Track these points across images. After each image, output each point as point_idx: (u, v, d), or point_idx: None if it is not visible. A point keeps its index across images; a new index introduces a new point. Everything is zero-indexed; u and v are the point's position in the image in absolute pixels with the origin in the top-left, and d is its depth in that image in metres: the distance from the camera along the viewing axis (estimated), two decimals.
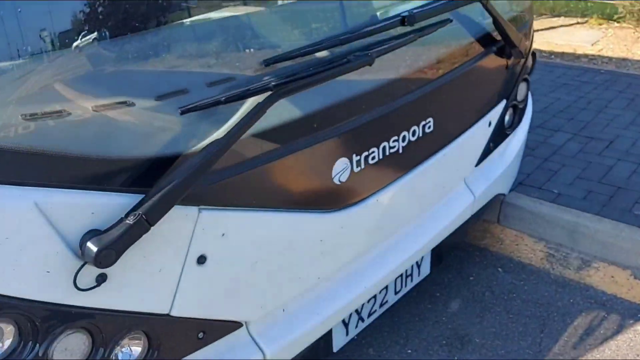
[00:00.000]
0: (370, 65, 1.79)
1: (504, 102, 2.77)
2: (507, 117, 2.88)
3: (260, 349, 1.87)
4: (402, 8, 2.72)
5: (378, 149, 2.06)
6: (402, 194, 2.26)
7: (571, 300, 2.86)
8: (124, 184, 1.42)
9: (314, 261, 1.98)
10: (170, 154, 1.48)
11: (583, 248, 3.22)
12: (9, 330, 1.36)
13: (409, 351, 2.61)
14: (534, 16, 3.07)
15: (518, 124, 3.00)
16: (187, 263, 1.59)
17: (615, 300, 2.85)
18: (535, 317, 2.76)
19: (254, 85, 1.56)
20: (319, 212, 1.93)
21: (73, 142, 1.36)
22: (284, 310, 1.98)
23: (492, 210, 3.47)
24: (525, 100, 2.99)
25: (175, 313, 1.61)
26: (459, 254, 3.26)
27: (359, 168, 2.00)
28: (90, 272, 1.40)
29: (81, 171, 1.36)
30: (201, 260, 1.62)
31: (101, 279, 1.42)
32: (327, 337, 2.15)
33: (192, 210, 1.56)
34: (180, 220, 1.53)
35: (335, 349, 2.23)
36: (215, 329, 1.74)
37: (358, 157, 1.99)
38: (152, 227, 1.39)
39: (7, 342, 1.37)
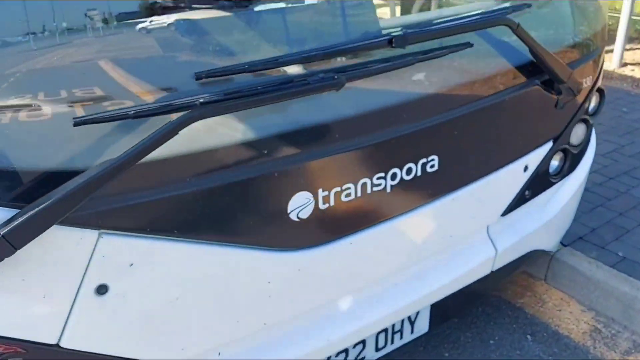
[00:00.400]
0: (337, 90, 1.52)
1: (549, 145, 2.34)
2: (553, 163, 2.45)
3: None
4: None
5: (355, 185, 1.76)
6: (389, 239, 1.94)
7: None
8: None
9: (259, 305, 1.72)
10: (59, 168, 1.31)
11: (638, 328, 2.70)
12: None
13: None
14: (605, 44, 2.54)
15: (570, 172, 2.55)
16: (82, 292, 1.40)
17: None
18: None
19: (173, 101, 1.34)
20: (268, 251, 1.67)
21: None
22: (219, 353, 1.75)
23: (538, 267, 3.02)
24: (582, 144, 2.53)
25: (65, 344, 1.43)
26: (487, 310, 2.85)
27: (326, 205, 1.72)
28: None
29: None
30: (101, 290, 1.43)
31: None
32: None
33: (91, 234, 1.37)
34: (73, 244, 1.35)
35: None
36: None
37: (326, 193, 1.70)
38: (18, 250, 1.22)
39: None
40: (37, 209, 1.21)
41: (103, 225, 1.38)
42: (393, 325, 2.14)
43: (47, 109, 1.34)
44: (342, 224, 1.80)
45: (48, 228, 1.24)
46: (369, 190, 1.80)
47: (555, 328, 2.74)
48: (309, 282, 1.80)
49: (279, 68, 1.57)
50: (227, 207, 1.56)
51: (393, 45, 1.60)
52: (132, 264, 1.45)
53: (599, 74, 2.49)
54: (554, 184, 2.48)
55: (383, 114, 1.81)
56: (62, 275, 1.37)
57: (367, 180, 1.78)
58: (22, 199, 1.27)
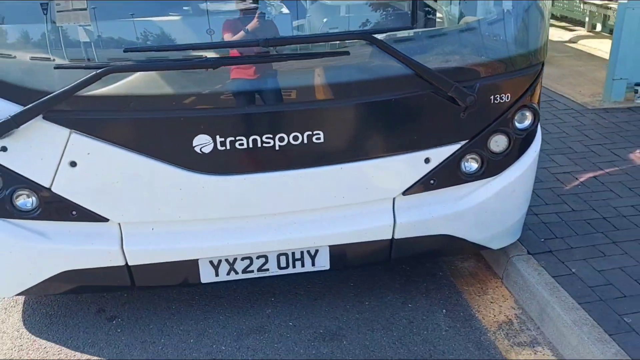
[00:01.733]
0: (208, 69, 2.42)
1: (456, 147, 2.81)
2: (468, 164, 2.89)
3: (122, 245, 2.74)
4: None
5: (247, 139, 2.61)
6: (280, 186, 2.73)
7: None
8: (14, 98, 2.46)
9: (175, 203, 2.70)
10: (46, 89, 2.45)
11: (545, 329, 2.95)
12: None
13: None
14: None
15: (491, 175, 2.93)
16: (62, 162, 2.56)
17: None
18: None
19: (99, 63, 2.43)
20: (179, 168, 2.63)
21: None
22: (152, 229, 2.79)
23: (500, 267, 3.39)
24: (505, 153, 2.89)
25: (54, 189, 2.61)
26: (430, 286, 3.35)
27: (223, 148, 2.60)
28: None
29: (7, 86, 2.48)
30: (73, 164, 2.57)
31: (3, 149, 2.52)
32: (192, 266, 2.85)
33: (65, 130, 2.51)
34: (56, 134, 2.51)
35: (203, 281, 2.90)
36: (84, 214, 2.68)
37: (222, 139, 2.60)
38: (9, 135, 2.43)
39: None
40: (27, 107, 2.39)
41: (72, 127, 2.51)
42: (293, 253, 2.91)
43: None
44: (237, 164, 2.67)
45: (31, 120, 2.40)
46: (259, 145, 2.63)
47: (474, 313, 3.14)
48: (211, 198, 2.72)
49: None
50: (151, 133, 2.57)
51: (261, 45, 2.42)
52: (88, 153, 2.56)
53: (526, 93, 2.83)
54: (468, 181, 2.92)
55: (277, 92, 2.63)
56: (51, 150, 2.54)
57: (257, 137, 2.61)
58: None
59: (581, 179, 4.25)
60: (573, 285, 3.05)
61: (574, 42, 9.19)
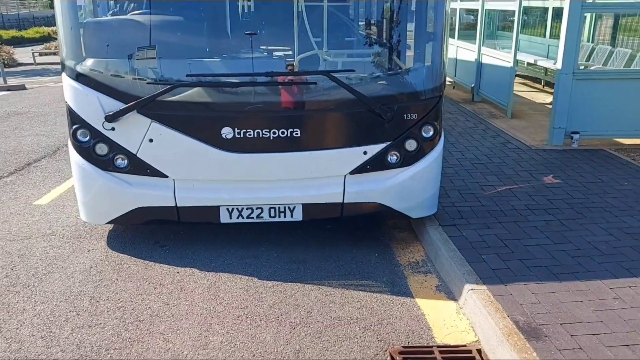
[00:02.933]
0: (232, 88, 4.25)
1: (383, 145, 4.53)
2: (391, 157, 4.59)
3: (174, 193, 4.52)
4: None
5: (254, 131, 4.39)
6: (274, 161, 4.49)
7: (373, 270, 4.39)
8: (122, 99, 4.31)
9: (207, 169, 4.48)
10: (139, 95, 4.30)
11: (436, 265, 4.56)
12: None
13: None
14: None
15: (406, 165, 4.62)
16: (145, 139, 4.40)
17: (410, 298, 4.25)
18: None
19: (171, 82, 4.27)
20: (212, 146, 4.42)
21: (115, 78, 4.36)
22: (193, 185, 4.56)
23: (421, 234, 5.04)
24: (415, 153, 4.59)
25: (139, 155, 4.44)
26: (371, 243, 5.00)
27: (239, 136, 4.40)
28: (108, 125, 4.35)
29: (110, 89, 4.33)
30: (151, 140, 4.40)
31: (112, 129, 4.36)
32: (215, 210, 4.60)
33: (148, 120, 4.35)
34: (143, 121, 4.35)
35: (222, 221, 4.64)
36: (154, 171, 4.48)
37: (240, 131, 4.39)
38: (117, 121, 4.27)
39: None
40: (119, 109, 4.24)
41: (152, 118, 4.36)
42: (279, 207, 4.64)
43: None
44: (247, 147, 4.45)
45: (125, 115, 4.25)
46: (260, 136, 4.41)
47: (395, 256, 4.77)
48: (230, 167, 4.50)
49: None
50: (200, 125, 4.38)
51: (265, 76, 4.24)
52: (160, 134, 4.39)
53: (429, 114, 4.54)
54: (392, 168, 4.62)
55: (272, 104, 4.42)
56: (139, 131, 4.38)
57: (259, 130, 4.40)
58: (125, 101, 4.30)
59: (498, 189, 5.88)
60: (459, 241, 4.66)
61: (547, 102, 10.83)
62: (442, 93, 4.68)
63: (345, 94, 4.39)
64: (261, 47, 4.63)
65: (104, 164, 4.51)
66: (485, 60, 10.81)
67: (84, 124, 4.42)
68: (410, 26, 4.82)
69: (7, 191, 6.39)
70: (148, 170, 4.51)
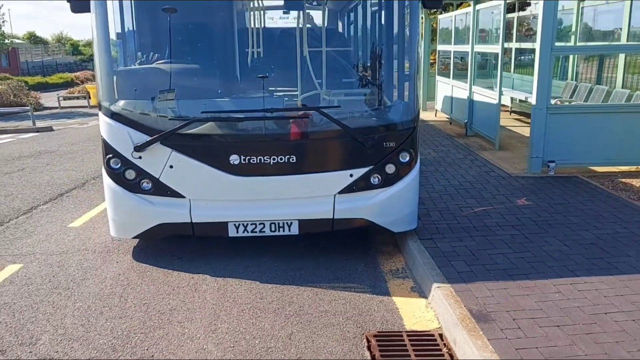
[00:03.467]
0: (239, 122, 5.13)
1: (367, 169, 5.35)
2: (373, 179, 5.40)
3: (190, 211, 5.36)
4: None
5: (257, 158, 5.25)
6: (273, 183, 5.32)
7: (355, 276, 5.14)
8: (147, 133, 5.20)
9: (217, 190, 5.33)
10: (162, 129, 5.19)
11: (413, 271, 5.31)
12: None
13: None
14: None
15: (387, 186, 5.42)
16: (166, 165, 5.29)
17: (394, 312, 4.99)
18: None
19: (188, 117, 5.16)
20: (221, 171, 5.28)
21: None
22: (205, 204, 5.40)
23: (403, 248, 5.81)
24: (393, 175, 5.39)
25: (161, 179, 5.32)
26: (359, 255, 5.76)
27: (245, 162, 5.26)
28: (136, 154, 5.23)
29: (138, 124, 5.23)
30: (171, 166, 5.29)
31: (139, 157, 5.25)
32: (224, 226, 5.42)
33: (169, 149, 5.24)
34: (164, 151, 5.24)
35: (230, 235, 5.46)
36: (173, 193, 5.35)
37: (245, 157, 5.25)
38: (143, 151, 5.15)
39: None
40: (145, 142, 5.13)
41: (172, 148, 5.25)
42: (278, 222, 5.45)
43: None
44: (251, 171, 5.31)
45: (149, 146, 5.14)
46: (262, 162, 5.27)
47: (379, 265, 5.53)
48: (236, 189, 5.35)
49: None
50: (212, 153, 5.25)
51: (266, 111, 5.11)
52: (179, 162, 5.27)
53: (405, 142, 5.37)
54: (375, 188, 5.43)
55: (272, 135, 5.28)
56: (161, 159, 5.26)
57: (261, 157, 5.26)
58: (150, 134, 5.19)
59: (475, 210, 6.65)
60: (434, 251, 5.42)
61: None
62: (417, 124, 5.52)
63: (333, 126, 5.25)
64: (270, 88, 5.51)
65: (132, 187, 5.37)
66: (476, 97, 11.70)
67: (116, 154, 5.32)
68: (389, 69, 5.72)
69: (45, 216, 7.29)
70: (168, 192, 5.37)
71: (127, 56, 6.15)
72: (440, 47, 15.68)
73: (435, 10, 6.50)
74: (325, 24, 6.09)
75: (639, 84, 10.50)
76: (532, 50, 14.01)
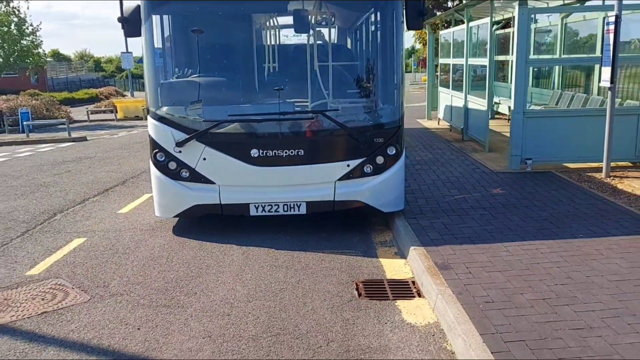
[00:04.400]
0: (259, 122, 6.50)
1: (361, 160, 6.68)
2: (366, 168, 6.71)
3: (219, 195, 6.72)
4: None
5: (272, 151, 6.60)
6: (286, 172, 6.67)
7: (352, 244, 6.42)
8: (186, 132, 6.59)
9: (241, 178, 6.70)
10: (198, 129, 6.57)
11: (398, 241, 6.58)
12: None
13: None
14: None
15: (377, 174, 6.72)
16: (200, 158, 6.69)
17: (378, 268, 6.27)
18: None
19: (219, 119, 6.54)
20: (244, 162, 6.65)
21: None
22: (232, 189, 6.76)
23: (392, 225, 7.11)
24: (383, 166, 6.70)
25: (196, 169, 6.73)
26: (355, 234, 7.05)
27: (263, 155, 6.62)
28: (177, 149, 6.62)
29: (179, 125, 6.63)
30: (204, 159, 6.69)
31: (180, 152, 6.63)
32: (246, 206, 6.78)
33: (202, 145, 6.64)
34: (199, 147, 6.63)
35: (251, 214, 6.81)
36: (206, 180, 6.73)
37: (263, 151, 6.61)
38: (182, 146, 6.54)
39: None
40: (183, 139, 6.53)
41: (205, 144, 6.65)
42: (289, 204, 6.79)
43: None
44: (268, 162, 6.69)
45: (186, 143, 6.54)
46: (277, 154, 6.64)
47: (371, 237, 6.83)
48: (256, 176, 6.73)
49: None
50: (237, 148, 6.62)
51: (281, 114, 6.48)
52: (210, 155, 6.66)
53: (392, 138, 6.68)
54: (367, 176, 6.75)
55: (285, 133, 6.64)
56: (196, 153, 6.66)
57: (276, 151, 6.62)
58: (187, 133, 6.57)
59: (455, 197, 7.92)
60: (415, 226, 6.72)
61: None
62: (402, 124, 6.85)
63: (334, 126, 6.60)
64: (283, 96, 6.85)
65: (173, 175, 6.76)
66: (470, 105, 12.98)
67: (161, 149, 6.71)
68: (379, 79, 7.07)
69: (96, 206, 8.73)
70: (202, 179, 6.74)
71: (167, 71, 7.56)
72: (441, 60, 17.00)
73: (420, 29, 7.80)
74: (333, 40, 7.47)
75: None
76: (545, 61, 15.29)
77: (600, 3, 11.67)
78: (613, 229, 6.32)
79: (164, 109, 6.83)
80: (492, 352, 3.81)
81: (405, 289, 5.36)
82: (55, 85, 56.86)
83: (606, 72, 8.41)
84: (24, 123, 20.26)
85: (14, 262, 6.26)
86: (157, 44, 7.16)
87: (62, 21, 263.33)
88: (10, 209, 8.73)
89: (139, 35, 6.73)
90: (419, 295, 5.22)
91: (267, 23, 7.98)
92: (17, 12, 25.05)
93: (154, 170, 6.89)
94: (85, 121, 26.61)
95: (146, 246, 6.69)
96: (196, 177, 6.77)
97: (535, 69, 15.81)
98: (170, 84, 7.34)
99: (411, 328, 4.53)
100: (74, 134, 19.75)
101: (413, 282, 5.51)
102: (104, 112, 31.01)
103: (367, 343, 4.29)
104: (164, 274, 5.78)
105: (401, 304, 5.01)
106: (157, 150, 6.78)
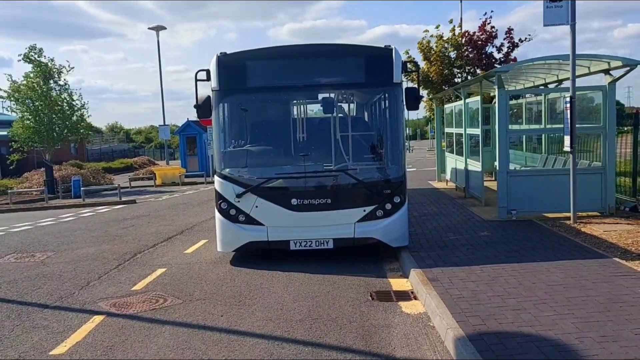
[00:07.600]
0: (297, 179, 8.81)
1: (374, 206, 8.89)
2: (378, 212, 8.90)
3: (267, 233, 8.95)
4: None
5: (307, 200, 8.88)
6: (317, 216, 8.90)
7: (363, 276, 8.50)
8: (244, 187, 8.90)
9: (284, 220, 8.97)
10: (253, 184, 8.87)
11: (403, 268, 8.66)
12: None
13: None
14: None
15: (386, 217, 8.89)
16: (253, 206, 9.03)
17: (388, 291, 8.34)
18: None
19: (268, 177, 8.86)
20: (287, 209, 8.92)
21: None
22: (277, 229, 9.00)
23: (398, 258, 9.26)
24: (391, 211, 8.87)
25: (251, 214, 9.04)
26: (370, 264, 9.15)
27: (300, 203, 8.90)
28: (236, 199, 8.91)
29: (238, 182, 8.96)
30: (256, 206, 8.99)
31: (238, 201, 8.93)
32: (287, 242, 9.00)
33: (255, 196, 8.96)
34: (252, 197, 8.95)
35: (291, 248, 9.01)
36: (258, 222, 9.03)
37: (301, 200, 8.89)
38: (241, 197, 8.85)
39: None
40: (240, 193, 8.84)
41: (257, 195, 8.97)
42: (320, 240, 9.00)
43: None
44: (304, 208, 8.98)
45: (243, 195, 8.85)
46: (312, 202, 8.91)
47: (382, 266, 8.93)
48: (296, 219, 8.99)
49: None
50: (281, 198, 8.92)
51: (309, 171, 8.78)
52: (262, 203, 8.95)
53: (397, 189, 8.91)
54: (379, 219, 8.95)
55: (315, 187, 8.92)
56: (250, 203, 8.95)
57: (310, 200, 8.89)
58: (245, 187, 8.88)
59: (450, 237, 10.01)
60: (416, 256, 8.82)
61: None
62: (405, 178, 9.12)
63: (353, 181, 8.90)
64: (314, 162, 9.16)
65: (233, 219, 9.03)
66: (470, 168, 15.20)
67: (224, 199, 9.02)
68: (387, 144, 9.37)
69: (166, 248, 11.03)
70: (254, 222, 8.99)
71: (227, 143, 9.96)
72: (446, 130, 19.41)
73: (417, 109, 10.28)
74: (352, 113, 9.90)
75: (581, 154, 13.82)
76: (519, 131, 17.57)
77: (564, 85, 14.03)
78: (563, 256, 8.38)
79: (226, 170, 9.19)
80: (457, 322, 5.88)
81: (405, 295, 7.44)
82: (89, 156, 60.43)
83: (567, 139, 10.63)
84: (82, 189, 22.95)
85: (119, 283, 8.48)
86: (221, 122, 9.61)
87: (92, 95, 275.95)
88: (99, 251, 11.06)
89: (209, 117, 9.19)
90: (415, 298, 7.29)
91: (301, 106, 10.45)
92: (67, 88, 27.65)
93: (218, 215, 9.16)
94: (127, 187, 29.31)
95: (213, 272, 8.87)
96: (250, 220, 9.02)
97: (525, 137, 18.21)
98: (230, 152, 9.73)
99: (407, 315, 6.60)
100: (124, 198, 22.29)
101: (411, 292, 7.58)
102: (142, 179, 33.90)
103: (377, 323, 6.36)
104: (231, 288, 7.94)
105: (402, 303, 7.08)
106: (221, 200, 9.09)
